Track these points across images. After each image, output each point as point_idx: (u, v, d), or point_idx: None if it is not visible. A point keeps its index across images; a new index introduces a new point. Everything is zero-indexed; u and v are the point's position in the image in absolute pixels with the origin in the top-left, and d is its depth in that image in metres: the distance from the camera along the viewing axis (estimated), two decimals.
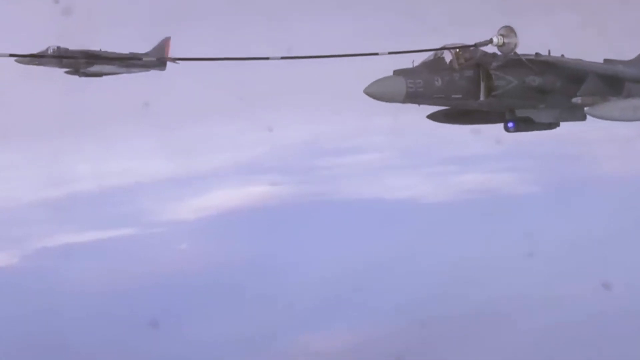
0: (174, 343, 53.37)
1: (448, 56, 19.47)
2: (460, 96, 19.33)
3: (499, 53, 19.43)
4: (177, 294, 57.83)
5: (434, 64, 19.28)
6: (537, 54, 20.04)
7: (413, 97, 19.02)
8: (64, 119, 55.96)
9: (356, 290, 55.74)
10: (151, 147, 62.11)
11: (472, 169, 56.94)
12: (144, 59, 47.06)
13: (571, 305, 47.90)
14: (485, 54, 19.67)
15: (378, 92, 18.74)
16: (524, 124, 20.12)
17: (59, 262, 61.45)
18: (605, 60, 21.30)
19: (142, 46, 49.97)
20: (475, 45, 18.62)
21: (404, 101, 19.03)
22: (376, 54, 17.47)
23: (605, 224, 48.52)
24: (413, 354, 50.90)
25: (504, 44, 18.83)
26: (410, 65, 19.03)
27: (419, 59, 19.79)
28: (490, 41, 18.85)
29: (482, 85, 19.40)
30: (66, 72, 48.00)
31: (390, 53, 17.58)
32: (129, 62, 47.96)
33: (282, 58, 16.21)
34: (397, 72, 19.04)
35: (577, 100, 19.57)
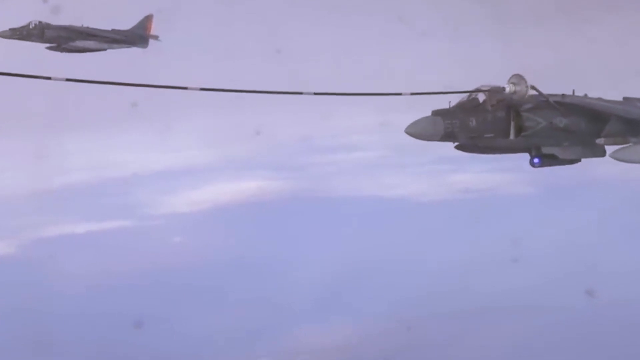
0: (167, 336, 53.92)
1: (481, 96, 20.71)
2: (492, 135, 20.63)
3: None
4: (172, 286, 58.39)
5: (469, 105, 20.53)
6: (563, 95, 21.37)
7: (450, 136, 20.31)
8: (61, 110, 56.31)
9: (349, 287, 56.68)
10: (148, 139, 62.76)
11: (467, 169, 57.75)
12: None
13: (560, 309, 49.32)
14: None
15: (418, 132, 20.01)
16: (549, 160, 21.49)
17: (55, 253, 61.78)
18: (625, 99, 22.71)
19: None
20: (490, 91, 19.86)
21: (441, 140, 20.31)
22: (399, 94, 18.50)
23: (598, 228, 49.77)
24: (404, 352, 52.07)
25: (515, 91, 20.11)
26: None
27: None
28: (503, 89, 20.13)
29: (512, 125, 20.71)
30: (48, 48, 48.04)
31: (412, 94, 18.62)
32: (112, 37, 48.19)
33: (316, 94, 17.03)
34: (435, 113, 20.27)
35: (600, 141, 21.01)
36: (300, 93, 16.50)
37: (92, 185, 64.43)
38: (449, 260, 55.68)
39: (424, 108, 21.91)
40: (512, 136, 20.75)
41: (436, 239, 57.69)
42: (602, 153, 21.60)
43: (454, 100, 20.95)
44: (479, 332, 52.07)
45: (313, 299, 56.71)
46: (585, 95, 21.92)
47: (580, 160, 21.75)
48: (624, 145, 20.82)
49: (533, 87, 20.81)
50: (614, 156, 20.53)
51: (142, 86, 15.73)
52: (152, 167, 64.72)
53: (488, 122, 20.47)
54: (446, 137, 20.23)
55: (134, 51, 50.71)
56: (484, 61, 46.50)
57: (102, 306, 57.20)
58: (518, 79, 20.17)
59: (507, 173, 56.50)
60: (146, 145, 64.24)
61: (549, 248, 52.37)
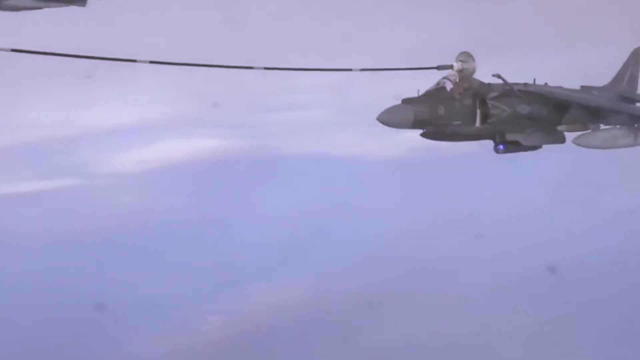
0: (116, 296, 53.79)
1: (449, 85, 21.26)
2: (459, 122, 21.32)
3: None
4: (120, 246, 58.38)
5: (437, 93, 21.11)
6: (526, 84, 22.08)
7: (419, 123, 20.91)
8: (4, 68, 55.09)
9: (301, 246, 57.28)
10: (94, 96, 61.84)
11: None
12: None
13: (517, 271, 50.70)
14: (482, 84, 21.58)
15: (389, 119, 20.60)
16: (512, 146, 22.28)
17: (2, 212, 61.18)
18: (582, 87, 23.57)
19: None
20: (438, 68, 20.26)
21: (411, 127, 20.89)
22: (350, 69, 18.80)
23: (555, 189, 50.55)
24: (356, 310, 53.13)
25: (462, 69, 20.53)
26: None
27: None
28: (451, 67, 20.52)
29: (479, 113, 21.34)
30: None
31: (362, 70, 18.90)
32: None
33: (266, 68, 17.23)
34: (405, 101, 20.82)
35: (562, 127, 21.86)
36: (251, 68, 16.77)
37: (38, 144, 63.48)
38: (401, 218, 56.56)
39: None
40: (478, 123, 21.41)
41: (388, 197, 58.45)
42: (562, 139, 22.54)
43: (421, 86, 21.43)
44: (432, 289, 53.29)
45: (264, 258, 57.26)
46: (546, 84, 22.68)
47: (541, 147, 22.55)
48: (584, 132, 21.76)
49: (498, 76, 21.44)
50: (576, 142, 21.50)
51: (90, 58, 15.38)
52: (99, 125, 63.82)
53: (456, 110, 21.14)
54: (416, 124, 20.85)
55: (73, 10, 49.63)
56: (437, 28, 46.98)
57: (50, 265, 57.03)
58: (466, 56, 20.66)
59: None
60: (93, 103, 63.18)
61: (502, 208, 53.23)
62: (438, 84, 21.16)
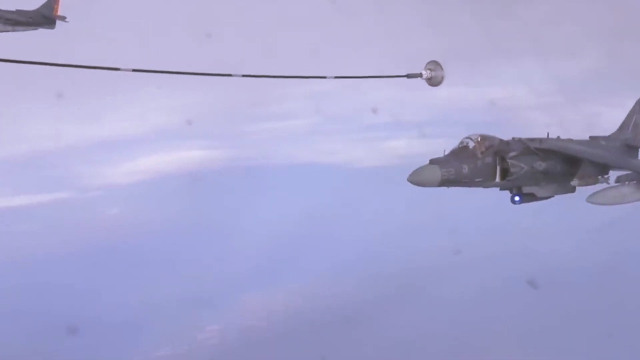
0: (112, 307, 54.74)
1: (471, 144, 22.89)
2: (481, 179, 22.93)
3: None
4: (112, 258, 59.07)
5: (461, 153, 22.69)
6: (541, 140, 23.79)
7: (446, 182, 22.46)
8: None
9: (291, 253, 58.57)
10: (82, 110, 62.52)
11: (399, 135, 58.72)
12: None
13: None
14: (501, 141, 23.25)
15: (419, 180, 22.08)
16: (527, 197, 24.03)
17: None
18: (591, 137, 25.37)
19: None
20: (407, 76, 21.07)
21: (438, 185, 22.45)
22: (324, 77, 19.47)
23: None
24: (348, 313, 54.47)
25: (431, 77, 21.57)
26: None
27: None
28: (420, 75, 21.44)
29: (499, 169, 23.03)
30: None
31: (336, 77, 19.56)
32: (15, 19, 47.50)
33: (244, 76, 17.84)
34: (432, 161, 22.35)
35: (574, 183, 23.62)
36: (230, 75, 17.12)
37: (27, 158, 64.04)
38: (385, 225, 57.98)
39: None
40: (498, 179, 23.05)
41: (372, 204, 59.88)
42: (573, 189, 24.25)
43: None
44: (416, 292, 54.71)
45: (256, 266, 58.42)
46: (558, 137, 24.40)
47: (553, 196, 24.32)
48: (598, 190, 23.35)
49: (518, 139, 23.17)
50: (589, 201, 23.10)
51: (72, 67, 15.77)
52: (88, 139, 64.60)
53: (478, 168, 22.65)
54: (443, 183, 22.33)
55: (42, 33, 49.91)
56: (413, 41, 48.35)
57: (41, 278, 57.63)
58: (434, 65, 21.25)
59: (442, 138, 58.46)
60: (80, 117, 63.93)
61: (484, 221, 54.70)
62: (461, 143, 22.70)
